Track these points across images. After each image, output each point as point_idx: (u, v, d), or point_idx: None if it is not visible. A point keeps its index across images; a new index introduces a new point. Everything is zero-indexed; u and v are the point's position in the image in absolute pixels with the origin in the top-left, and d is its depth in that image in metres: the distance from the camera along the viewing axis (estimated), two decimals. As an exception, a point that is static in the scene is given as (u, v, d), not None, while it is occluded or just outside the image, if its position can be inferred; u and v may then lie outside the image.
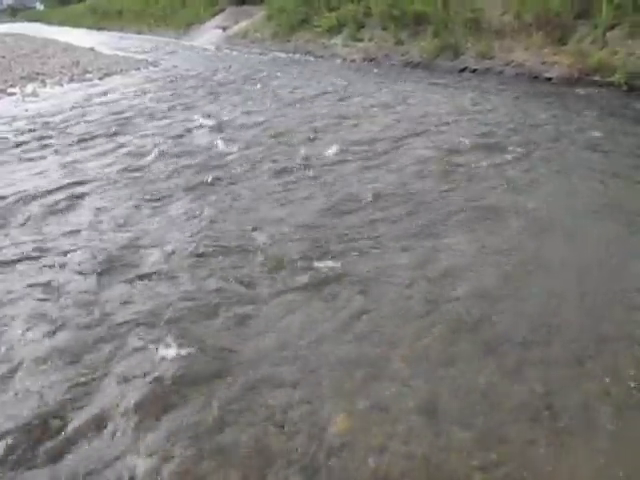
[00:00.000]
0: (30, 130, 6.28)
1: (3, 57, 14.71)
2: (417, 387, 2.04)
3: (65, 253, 3.20)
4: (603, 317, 2.41)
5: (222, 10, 22.46)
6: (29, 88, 9.50)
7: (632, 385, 2.00)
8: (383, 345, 2.28)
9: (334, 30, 13.68)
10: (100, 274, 2.94)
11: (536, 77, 8.20)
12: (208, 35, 20.75)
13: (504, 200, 3.66)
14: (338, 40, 13.36)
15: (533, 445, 1.79)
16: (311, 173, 4.38)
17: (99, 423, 1.96)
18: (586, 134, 5.14)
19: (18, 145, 5.66)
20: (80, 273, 2.97)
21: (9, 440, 1.91)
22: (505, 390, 2.01)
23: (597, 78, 7.40)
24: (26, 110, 7.56)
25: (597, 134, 5.11)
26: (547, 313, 2.45)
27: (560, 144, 4.87)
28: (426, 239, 3.18)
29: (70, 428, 1.95)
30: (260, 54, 14.60)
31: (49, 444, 1.89)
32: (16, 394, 2.13)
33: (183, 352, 2.28)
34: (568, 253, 2.97)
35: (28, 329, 2.50)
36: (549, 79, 7.99)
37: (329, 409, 1.96)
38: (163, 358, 2.26)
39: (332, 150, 4.93)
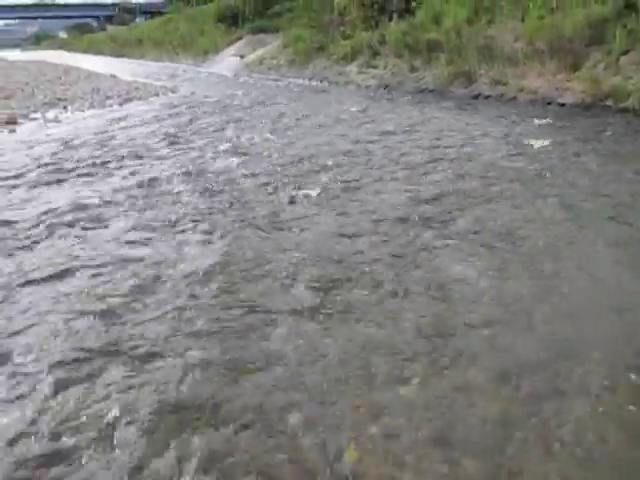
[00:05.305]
0: (51, 154, 6.42)
1: (27, 83, 15.12)
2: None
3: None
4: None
5: (239, 38, 23.02)
6: (51, 114, 9.73)
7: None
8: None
9: (349, 57, 13.95)
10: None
11: (549, 103, 8.26)
12: (226, 62, 21.22)
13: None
14: (353, 67, 13.60)
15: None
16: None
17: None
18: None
19: (38, 167, 5.77)
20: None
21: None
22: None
23: (610, 104, 7.44)
24: (47, 135, 7.73)
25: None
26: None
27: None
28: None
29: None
30: (277, 80, 14.88)
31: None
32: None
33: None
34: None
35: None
36: (562, 105, 8.05)
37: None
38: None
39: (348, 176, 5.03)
